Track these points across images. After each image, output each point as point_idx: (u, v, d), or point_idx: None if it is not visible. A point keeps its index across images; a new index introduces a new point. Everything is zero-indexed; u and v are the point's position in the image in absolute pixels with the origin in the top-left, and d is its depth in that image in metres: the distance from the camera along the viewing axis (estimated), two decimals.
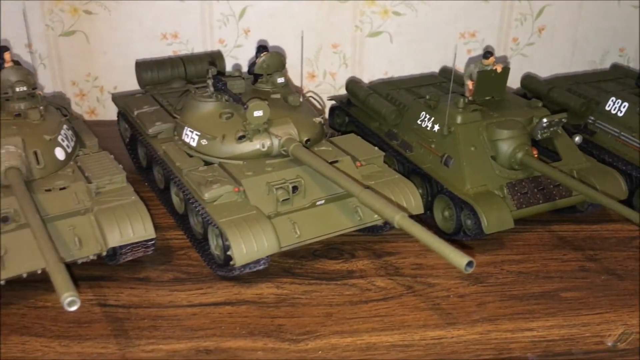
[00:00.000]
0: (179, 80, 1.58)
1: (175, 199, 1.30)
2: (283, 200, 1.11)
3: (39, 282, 1.09)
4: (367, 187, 1.07)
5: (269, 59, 1.32)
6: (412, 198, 1.18)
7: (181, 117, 1.28)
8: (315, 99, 1.41)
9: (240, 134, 1.18)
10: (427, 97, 1.36)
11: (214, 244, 1.15)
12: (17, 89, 1.17)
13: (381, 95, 1.48)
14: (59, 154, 1.16)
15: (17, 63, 1.22)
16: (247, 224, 1.06)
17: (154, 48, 1.80)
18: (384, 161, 1.27)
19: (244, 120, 1.18)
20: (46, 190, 1.09)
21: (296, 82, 1.71)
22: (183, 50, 1.82)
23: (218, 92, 1.24)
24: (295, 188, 1.13)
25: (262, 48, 1.34)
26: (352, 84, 1.59)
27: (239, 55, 1.85)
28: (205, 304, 1.08)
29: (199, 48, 1.83)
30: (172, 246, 1.24)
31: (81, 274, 1.12)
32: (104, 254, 1.09)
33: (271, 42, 1.82)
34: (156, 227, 1.11)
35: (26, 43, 1.73)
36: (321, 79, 1.90)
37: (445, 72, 1.66)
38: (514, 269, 1.18)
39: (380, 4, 1.80)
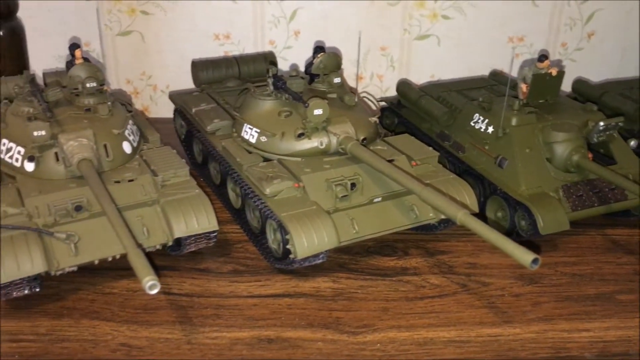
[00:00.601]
0: (233, 79, 1.62)
1: (231, 195, 1.34)
2: (342, 196, 1.14)
3: (106, 269, 1.14)
4: (428, 184, 1.09)
5: (325, 59, 1.35)
6: (467, 197, 1.20)
7: (241, 115, 1.31)
8: (369, 100, 1.43)
9: (300, 131, 1.22)
10: (481, 99, 1.37)
11: (271, 237, 1.18)
12: (88, 85, 1.22)
13: (432, 97, 1.50)
14: (126, 147, 1.20)
15: (86, 60, 1.27)
16: (308, 218, 1.09)
17: (206, 48, 1.85)
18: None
19: (303, 119, 1.22)
20: (115, 182, 1.13)
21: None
22: (234, 50, 1.87)
23: (278, 90, 1.27)
24: (353, 185, 1.15)
25: (319, 49, 1.37)
26: (404, 85, 1.61)
27: (288, 56, 1.88)
28: (264, 295, 1.11)
29: (249, 49, 1.87)
30: (229, 239, 1.27)
31: None
32: (170, 244, 1.13)
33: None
34: None
35: (85, 41, 1.80)
36: (368, 80, 1.93)
37: (496, 75, 1.67)
38: (568, 270, 1.19)
39: (429, 7, 1.82)
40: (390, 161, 1.20)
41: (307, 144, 1.22)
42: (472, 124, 1.35)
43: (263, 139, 1.25)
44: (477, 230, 0.93)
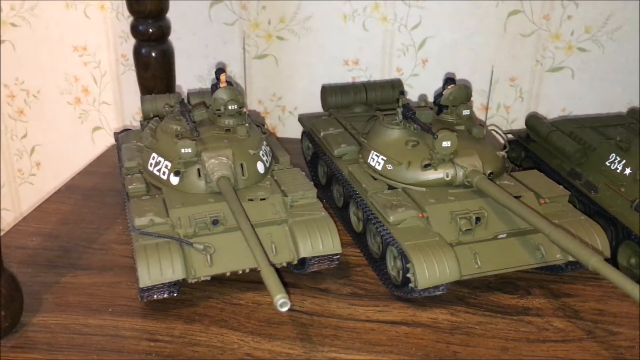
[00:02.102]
0: (360, 105, 1.67)
1: (353, 218, 1.38)
2: (465, 230, 1.14)
3: (234, 280, 1.21)
4: (559, 226, 1.06)
5: (455, 91, 1.35)
6: (598, 241, 1.15)
7: (368, 141, 1.35)
8: (497, 133, 1.42)
9: (426, 162, 1.23)
10: (618, 138, 1.32)
11: (391, 264, 1.20)
12: (229, 107, 1.30)
13: (564, 133, 1.46)
14: (260, 167, 1.27)
15: (229, 84, 1.37)
16: (430, 249, 1.10)
17: (334, 73, 1.92)
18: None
19: (430, 149, 1.23)
20: (248, 200, 1.20)
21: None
22: (362, 76, 1.92)
23: (406, 120, 1.30)
24: (478, 219, 1.15)
25: (449, 80, 1.38)
26: (534, 119, 1.58)
27: (414, 84, 1.91)
28: (382, 321, 1.13)
29: (376, 75, 1.92)
30: (349, 262, 1.31)
31: None
32: (295, 262, 1.18)
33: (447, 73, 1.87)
34: None
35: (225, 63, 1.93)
36: (494, 111, 1.90)
37: (635, 113, 1.59)
38: None
39: (565, 39, 1.77)
40: (517, 197, 1.19)
41: (432, 175, 1.23)
42: (608, 164, 1.30)
43: (389, 166, 1.27)
44: (612, 279, 0.90)
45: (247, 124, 1.31)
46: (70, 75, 2.00)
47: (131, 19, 1.70)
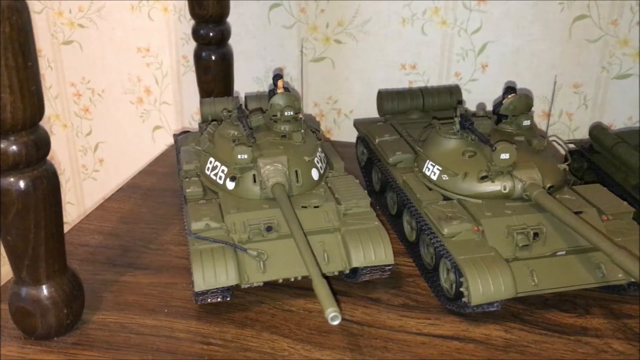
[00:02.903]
0: (416, 111, 1.65)
1: (406, 227, 1.37)
2: (522, 245, 1.11)
3: (285, 286, 1.22)
4: (622, 246, 1.02)
5: (516, 101, 1.32)
6: None
7: (424, 150, 1.33)
8: (559, 144, 1.38)
9: (483, 173, 1.20)
10: None
11: (444, 276, 1.19)
12: (286, 113, 1.31)
13: (631, 145, 1.40)
14: (314, 174, 1.28)
15: (286, 90, 1.37)
16: (485, 264, 1.08)
17: (391, 77, 1.90)
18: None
19: (487, 161, 1.20)
20: (302, 207, 1.21)
21: None
22: (419, 80, 1.90)
23: (464, 130, 1.27)
24: (536, 235, 1.12)
25: (509, 89, 1.34)
26: (598, 129, 1.52)
27: (472, 89, 1.87)
28: (433, 335, 1.11)
29: (434, 80, 1.89)
30: (401, 272, 1.29)
31: None
32: (347, 271, 1.18)
33: (507, 79, 1.82)
34: None
35: (282, 65, 1.95)
36: (556, 118, 1.85)
37: None
38: None
39: (634, 46, 1.69)
40: (578, 213, 1.15)
41: (489, 187, 1.21)
42: None
43: (444, 177, 1.26)
44: None
45: (302, 130, 1.32)
46: (134, 76, 2.06)
47: (192, 23, 1.73)
